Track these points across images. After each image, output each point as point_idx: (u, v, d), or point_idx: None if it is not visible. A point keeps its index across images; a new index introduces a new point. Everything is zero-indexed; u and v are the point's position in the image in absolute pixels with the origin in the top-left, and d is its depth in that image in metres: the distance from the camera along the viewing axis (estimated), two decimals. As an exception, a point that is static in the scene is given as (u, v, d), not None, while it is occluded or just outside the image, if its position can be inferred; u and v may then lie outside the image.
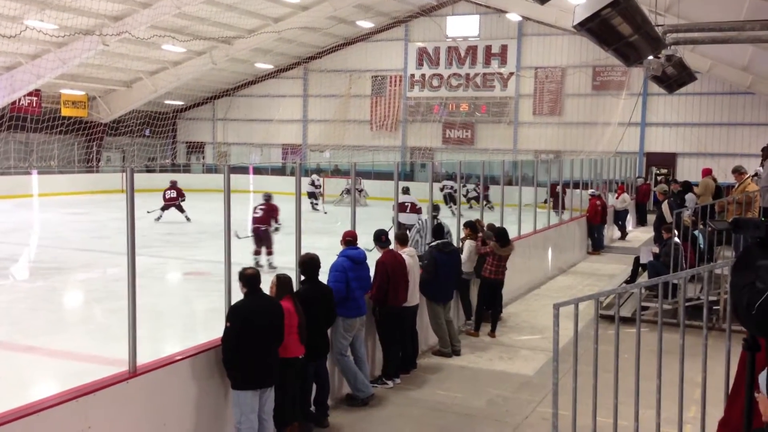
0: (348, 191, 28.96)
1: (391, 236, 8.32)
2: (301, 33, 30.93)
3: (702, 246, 11.37)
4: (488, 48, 32.56)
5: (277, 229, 13.87)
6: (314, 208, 25.81)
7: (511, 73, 32.29)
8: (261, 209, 14.08)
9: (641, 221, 24.46)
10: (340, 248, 7.46)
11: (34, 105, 30.32)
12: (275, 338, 5.82)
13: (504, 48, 32.32)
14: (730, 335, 4.58)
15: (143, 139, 36.62)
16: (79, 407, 4.59)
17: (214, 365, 5.69)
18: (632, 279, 12.83)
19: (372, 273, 7.66)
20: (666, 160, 30.06)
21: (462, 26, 32.80)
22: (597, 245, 18.42)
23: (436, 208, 11.36)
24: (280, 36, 30.26)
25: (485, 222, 11.52)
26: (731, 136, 29.00)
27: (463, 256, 9.89)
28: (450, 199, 26.15)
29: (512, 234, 12.84)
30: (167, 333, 9.86)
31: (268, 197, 14.41)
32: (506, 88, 32.51)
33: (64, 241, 17.75)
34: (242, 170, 31.68)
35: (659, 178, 28.55)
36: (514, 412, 7.25)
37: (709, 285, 9.19)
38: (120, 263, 13.94)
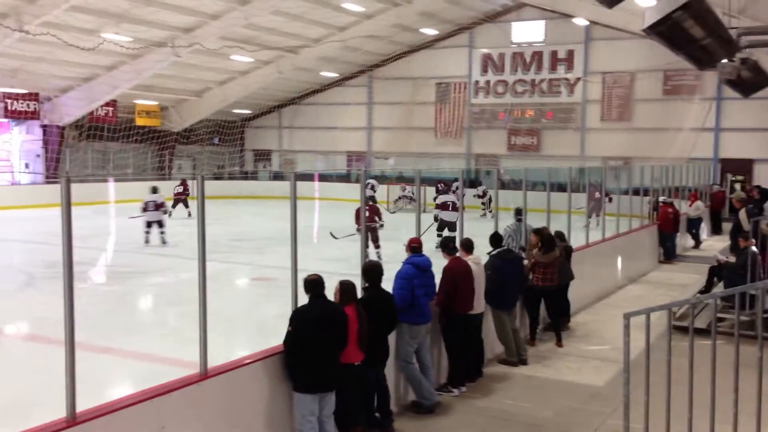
0: (403, 198, 29.15)
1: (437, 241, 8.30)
2: (366, 41, 31.17)
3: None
4: (554, 53, 32.14)
5: (381, 226, 15.80)
6: None
7: (578, 79, 31.77)
8: (366, 210, 14.59)
9: (716, 230, 23.66)
10: (404, 255, 7.48)
11: (111, 115, 31.45)
12: (337, 344, 5.87)
13: (570, 53, 31.84)
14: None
15: (213, 147, 37.53)
16: (154, 407, 4.73)
17: (282, 369, 5.78)
18: (707, 289, 12.40)
19: (437, 280, 7.66)
20: (742, 167, 29.01)
21: (527, 32, 32.48)
22: (669, 254, 17.89)
23: (519, 212, 11.32)
24: (345, 44, 30.58)
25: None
26: (811, 141, 27.79)
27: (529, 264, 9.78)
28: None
29: (580, 242, 12.69)
30: (236, 337, 10.06)
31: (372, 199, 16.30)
32: (573, 94, 32.00)
33: (138, 247, 18.32)
34: (308, 177, 32.12)
35: (736, 185, 27.56)
36: (583, 423, 7.11)
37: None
38: (191, 268, 14.31)
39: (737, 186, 27.04)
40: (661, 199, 18.29)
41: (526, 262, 9.77)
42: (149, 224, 19.06)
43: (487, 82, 33.63)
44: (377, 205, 15.37)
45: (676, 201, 19.41)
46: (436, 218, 17.65)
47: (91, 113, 30.30)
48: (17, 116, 29.02)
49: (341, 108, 37.11)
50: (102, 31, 23.90)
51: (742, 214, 14.06)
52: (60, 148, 30.29)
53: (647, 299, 13.14)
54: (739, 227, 13.82)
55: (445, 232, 16.34)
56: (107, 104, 30.65)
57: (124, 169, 32.82)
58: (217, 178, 35.47)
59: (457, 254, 8.04)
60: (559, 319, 10.36)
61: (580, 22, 30.00)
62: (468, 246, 8.32)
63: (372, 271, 6.69)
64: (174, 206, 23.99)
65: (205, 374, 5.18)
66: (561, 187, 13.06)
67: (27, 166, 31.02)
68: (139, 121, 33.06)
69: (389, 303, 6.74)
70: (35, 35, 21.05)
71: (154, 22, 24.55)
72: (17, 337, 10.46)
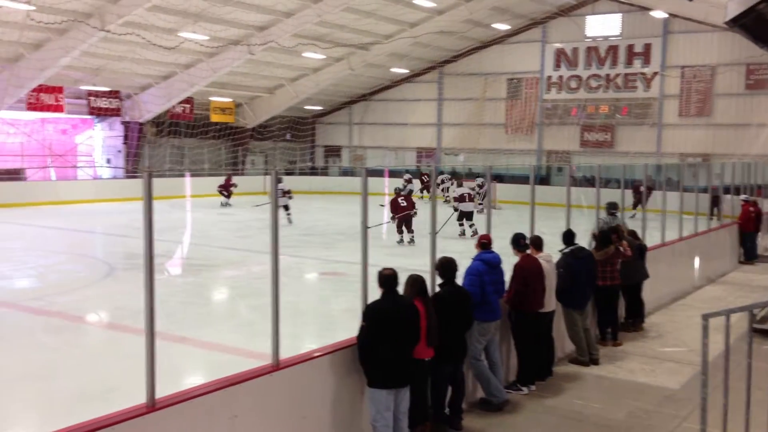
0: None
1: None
2: (437, 37, 31.09)
3: None
4: (630, 47, 31.33)
5: (416, 214, 18.19)
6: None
7: (656, 73, 30.88)
8: (404, 200, 18.46)
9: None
10: (474, 252, 7.44)
11: (188, 112, 32.37)
12: (410, 339, 5.88)
13: (648, 47, 30.97)
14: None
15: (285, 143, 38.16)
16: (228, 396, 4.85)
17: (351, 363, 5.83)
18: (790, 291, 11.91)
19: (507, 277, 7.59)
20: (830, 164, 27.67)
21: (603, 25, 31.76)
22: (750, 255, 17.22)
23: (614, 206, 11.12)
24: (416, 40, 30.58)
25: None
26: None
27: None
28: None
29: (655, 241, 12.36)
30: (306, 330, 10.22)
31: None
32: (650, 89, 31.13)
33: (212, 240, 18.82)
34: (377, 173, 32.29)
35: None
36: (656, 426, 6.93)
37: None
38: (263, 262, 14.60)
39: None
40: (742, 197, 17.63)
41: None
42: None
43: (560, 78, 33.07)
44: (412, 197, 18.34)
45: (759, 200, 18.66)
46: (455, 209, 19.84)
47: (169, 110, 31.28)
48: (100, 113, 30.19)
49: (411, 104, 37.15)
50: (180, 30, 24.60)
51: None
52: (139, 143, 31.38)
53: (726, 301, 12.69)
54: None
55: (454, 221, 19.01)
56: (184, 101, 31.56)
57: (199, 164, 33.72)
58: (288, 174, 36.05)
59: (528, 251, 7.95)
60: (628, 320, 10.16)
61: (658, 14, 29.15)
62: (538, 243, 8.21)
63: (447, 267, 6.64)
64: (230, 196, 28.09)
65: (276, 366, 5.27)
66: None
67: (108, 161, 32.28)
68: (214, 118, 33.90)
69: (465, 299, 6.70)
70: (119, 35, 21.80)
71: (231, 20, 25.11)
72: (98, 325, 10.90)
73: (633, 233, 10.75)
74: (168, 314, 10.84)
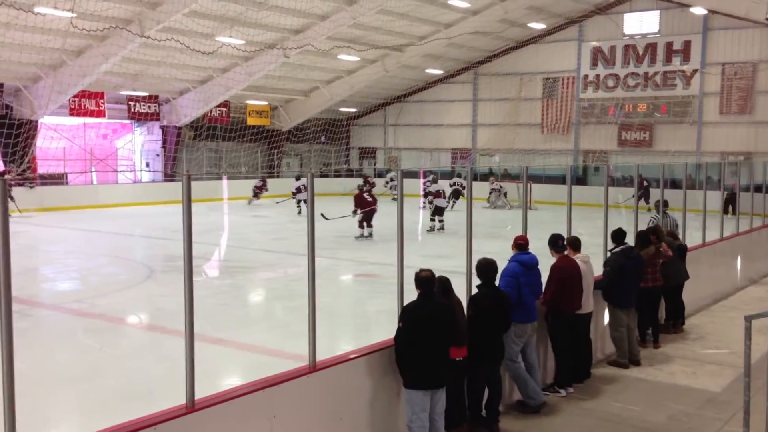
0: (494, 192, 29.11)
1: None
2: (472, 38, 30.94)
3: None
4: (669, 44, 30.83)
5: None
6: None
7: (695, 70, 30.34)
8: (369, 196, 19.75)
9: None
10: (510, 253, 7.40)
11: (224, 115, 32.76)
12: (445, 340, 5.87)
13: (687, 44, 30.45)
14: None
15: (320, 145, 38.36)
16: (266, 397, 4.90)
17: (388, 364, 5.85)
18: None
19: (545, 278, 7.53)
20: None
21: (640, 23, 31.31)
22: (794, 255, 16.81)
23: (666, 204, 11.02)
24: (451, 41, 30.49)
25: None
26: None
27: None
28: (455, 195, 27.38)
29: (696, 241, 12.17)
30: (341, 331, 10.26)
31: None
32: (689, 87, 30.60)
33: (248, 242, 19.01)
34: (413, 175, 32.25)
35: None
36: (698, 429, 6.81)
37: None
38: (298, 264, 14.76)
39: None
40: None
41: None
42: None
43: (597, 76, 32.69)
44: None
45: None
46: (431, 202, 21.38)
47: (206, 114, 31.69)
48: (139, 118, 30.72)
49: (446, 105, 37.06)
50: (217, 35, 24.89)
51: None
52: (177, 147, 31.84)
53: (770, 302, 12.42)
54: None
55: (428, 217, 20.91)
56: (221, 105, 31.95)
57: (236, 167, 34.09)
58: (323, 176, 36.23)
59: (565, 252, 7.88)
60: (668, 321, 10.01)
61: (698, 11, 28.64)
62: (575, 244, 8.13)
63: (487, 269, 6.61)
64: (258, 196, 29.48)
65: (313, 367, 5.31)
66: (674, 184, 12.60)
67: (147, 164, 32.82)
68: (250, 121, 34.24)
69: (504, 301, 6.67)
70: (158, 41, 22.15)
71: (266, 24, 25.33)
72: (138, 326, 11.08)
73: (672, 234, 10.59)
74: (205, 316, 10.97)
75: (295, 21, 25.99)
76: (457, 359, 6.10)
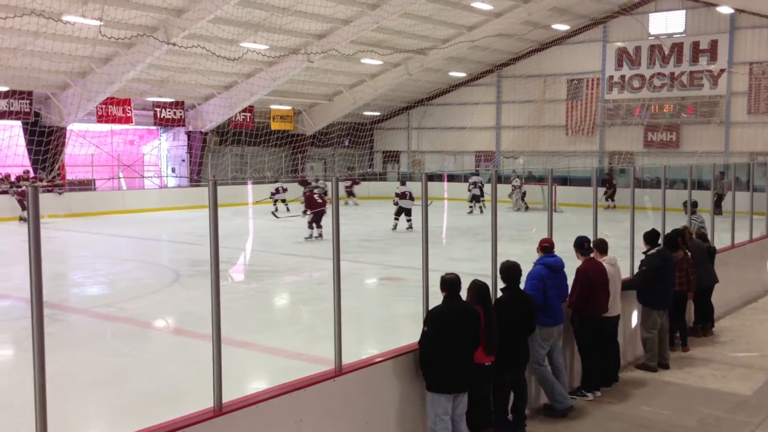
0: (516, 190, 28.91)
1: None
2: (495, 40, 30.85)
3: None
4: (695, 44, 30.48)
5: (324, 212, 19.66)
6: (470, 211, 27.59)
7: (722, 70, 29.95)
8: (319, 197, 20.16)
9: None
10: (535, 256, 7.35)
11: (248, 120, 32.97)
12: (470, 344, 5.85)
13: (714, 43, 30.08)
14: None
15: (343, 149, 38.45)
16: (292, 401, 4.91)
17: (414, 368, 5.84)
18: None
19: (570, 281, 7.47)
20: None
21: (666, 23, 31.00)
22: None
23: (693, 204, 10.93)
24: (474, 44, 30.42)
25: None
26: None
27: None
28: (474, 198, 27.76)
29: (725, 243, 12.00)
30: (367, 335, 10.27)
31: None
32: (716, 86, 30.21)
33: (273, 246, 19.10)
34: (437, 178, 32.20)
35: None
36: (728, 434, 6.72)
37: None
38: (323, 267, 14.81)
39: None
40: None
41: None
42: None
43: (622, 77, 32.41)
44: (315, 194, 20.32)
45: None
46: (396, 203, 22.07)
47: (231, 119, 31.93)
48: (165, 123, 31.03)
49: (470, 108, 36.95)
50: (242, 41, 25.08)
51: None
52: (202, 152, 32.11)
53: (802, 305, 12.21)
54: None
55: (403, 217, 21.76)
56: (245, 110, 32.15)
57: (261, 172, 34.28)
58: (347, 179, 36.29)
59: (591, 255, 7.81)
60: (697, 324, 9.89)
61: (725, 10, 28.27)
62: (602, 246, 8.05)
63: (511, 272, 6.57)
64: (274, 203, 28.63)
65: (339, 371, 5.31)
66: (701, 185, 12.43)
67: (173, 170, 33.13)
68: (274, 126, 34.42)
69: (528, 304, 6.63)
70: (183, 47, 22.39)
71: (290, 29, 25.47)
72: (166, 330, 11.17)
73: (702, 236, 10.46)
74: (231, 319, 11.04)
75: (318, 26, 26.10)
76: (485, 364, 6.08)
